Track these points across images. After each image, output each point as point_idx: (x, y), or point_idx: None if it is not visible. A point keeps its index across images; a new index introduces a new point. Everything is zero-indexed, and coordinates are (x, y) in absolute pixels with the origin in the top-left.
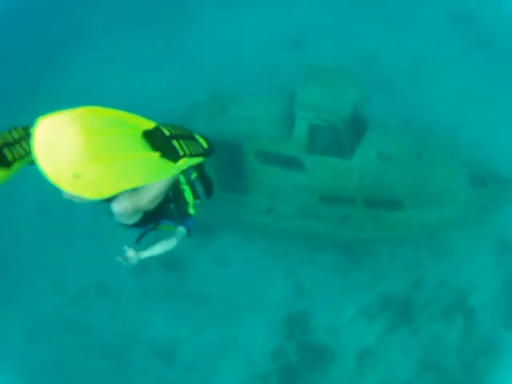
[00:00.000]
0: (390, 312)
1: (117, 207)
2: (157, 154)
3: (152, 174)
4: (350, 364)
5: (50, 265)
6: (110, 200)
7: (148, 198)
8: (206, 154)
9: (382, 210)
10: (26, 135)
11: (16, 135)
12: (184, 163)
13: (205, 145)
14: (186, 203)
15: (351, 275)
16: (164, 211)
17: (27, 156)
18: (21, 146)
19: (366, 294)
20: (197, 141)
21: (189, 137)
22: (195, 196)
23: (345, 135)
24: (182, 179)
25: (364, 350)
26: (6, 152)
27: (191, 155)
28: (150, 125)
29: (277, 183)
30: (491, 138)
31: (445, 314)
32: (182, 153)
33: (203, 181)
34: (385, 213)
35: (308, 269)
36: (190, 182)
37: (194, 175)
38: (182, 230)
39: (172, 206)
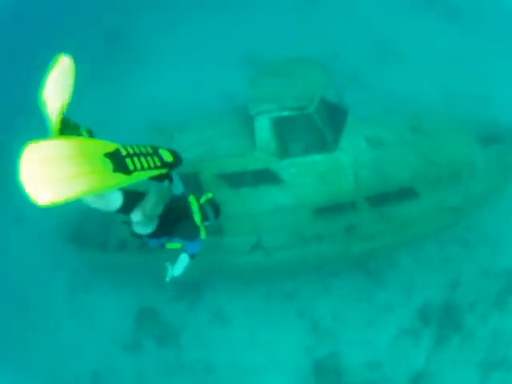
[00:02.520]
0: (434, 323)
1: (134, 216)
2: (111, 169)
3: (110, 184)
4: None
5: (41, 355)
6: (127, 212)
7: (150, 205)
8: (168, 165)
9: (392, 206)
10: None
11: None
12: (139, 175)
13: (169, 158)
14: (196, 226)
15: (376, 296)
16: (176, 230)
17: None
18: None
19: (400, 313)
20: (158, 156)
21: (148, 154)
22: (204, 218)
23: (321, 121)
24: (194, 205)
25: (417, 375)
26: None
27: (144, 169)
28: (111, 146)
29: (254, 209)
30: (485, 97)
31: (498, 302)
32: (132, 168)
33: (211, 204)
34: (396, 208)
35: (323, 303)
36: (200, 206)
37: (202, 200)
38: (183, 256)
39: (181, 226)
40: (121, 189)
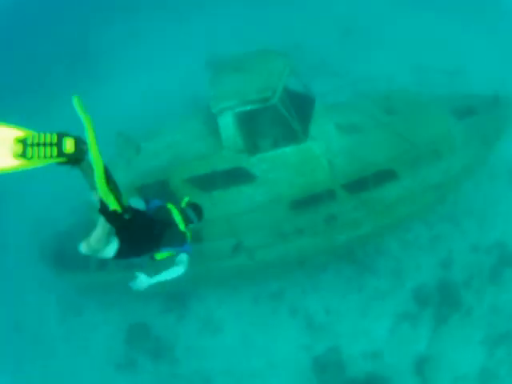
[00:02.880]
0: (432, 305)
1: (81, 248)
2: (18, 153)
3: (11, 165)
4: (411, 381)
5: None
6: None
7: (95, 238)
8: (66, 156)
9: (371, 191)
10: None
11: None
12: (36, 162)
13: (69, 150)
14: (180, 231)
15: (368, 284)
16: (163, 241)
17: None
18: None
19: (394, 298)
20: (57, 146)
21: (51, 144)
22: (188, 222)
23: (287, 112)
24: (175, 212)
25: (420, 360)
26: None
27: (41, 157)
28: (24, 134)
29: (229, 210)
30: (457, 71)
31: (494, 276)
32: (29, 155)
33: (192, 206)
34: (377, 192)
35: (315, 298)
36: (181, 211)
37: (183, 204)
38: (183, 256)
39: (167, 235)
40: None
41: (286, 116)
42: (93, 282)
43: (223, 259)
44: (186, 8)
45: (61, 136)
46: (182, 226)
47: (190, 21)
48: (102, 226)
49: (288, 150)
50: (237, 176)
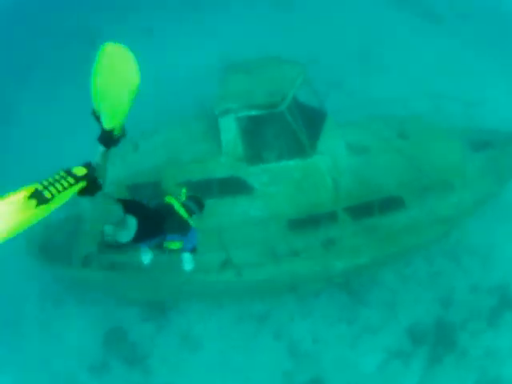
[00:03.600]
0: (427, 344)
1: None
2: (34, 205)
3: (36, 217)
4: None
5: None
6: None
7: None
8: (83, 178)
9: (376, 218)
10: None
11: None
12: (59, 198)
13: (81, 172)
14: (184, 220)
15: (360, 316)
16: (166, 228)
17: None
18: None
19: (387, 333)
20: (70, 175)
21: (62, 178)
22: (190, 213)
23: (295, 122)
24: (176, 204)
25: None
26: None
27: (60, 191)
28: (30, 189)
29: (221, 222)
30: (473, 102)
31: (491, 320)
32: (49, 196)
33: (191, 197)
34: (381, 219)
35: (302, 324)
36: (181, 203)
37: (183, 197)
38: (186, 256)
39: (171, 221)
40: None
41: (293, 126)
42: (75, 278)
43: (209, 273)
44: (203, 13)
45: (67, 169)
46: (184, 215)
47: (206, 26)
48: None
49: (291, 164)
50: (233, 186)
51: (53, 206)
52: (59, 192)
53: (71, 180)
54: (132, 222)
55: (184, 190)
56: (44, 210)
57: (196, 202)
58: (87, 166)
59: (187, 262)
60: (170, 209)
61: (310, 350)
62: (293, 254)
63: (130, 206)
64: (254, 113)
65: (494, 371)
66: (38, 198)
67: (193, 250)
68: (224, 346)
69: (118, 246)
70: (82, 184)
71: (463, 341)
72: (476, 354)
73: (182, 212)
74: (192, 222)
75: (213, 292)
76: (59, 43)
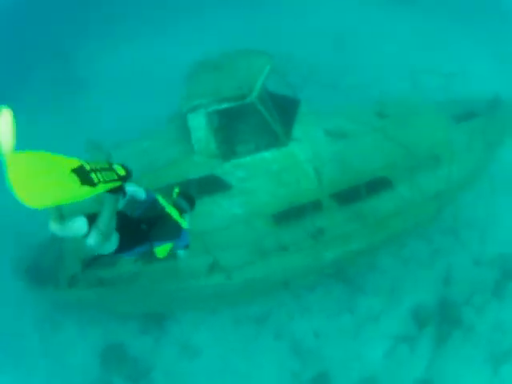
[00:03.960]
0: (432, 324)
1: (90, 239)
2: (78, 183)
3: (78, 194)
4: None
5: None
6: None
7: (104, 222)
8: (122, 178)
9: (364, 201)
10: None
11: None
12: (102, 187)
13: (122, 172)
14: (175, 221)
15: (360, 305)
16: (153, 235)
17: (106, 183)
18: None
19: (390, 319)
20: (113, 170)
21: (106, 169)
22: (181, 211)
23: (267, 111)
24: (165, 203)
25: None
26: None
27: (106, 182)
28: (76, 163)
29: (202, 224)
30: (451, 73)
31: (497, 292)
32: (96, 180)
33: (183, 195)
34: (369, 203)
35: (302, 320)
36: (173, 202)
37: (174, 194)
38: (181, 254)
39: (158, 227)
40: (84, 215)
41: (266, 116)
42: (64, 299)
43: (198, 279)
44: (177, 13)
45: (109, 162)
46: (175, 215)
47: (180, 25)
48: (107, 208)
49: (268, 155)
50: (210, 185)
51: (93, 192)
52: (105, 182)
53: (114, 175)
54: (114, 237)
55: (177, 190)
56: (86, 191)
57: (187, 200)
58: (125, 167)
59: (181, 254)
60: (159, 212)
61: (314, 346)
62: (281, 249)
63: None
64: (224, 106)
65: (505, 344)
66: (84, 177)
67: (185, 247)
68: (225, 352)
69: (100, 259)
70: (117, 184)
71: (469, 316)
72: (483, 328)
73: (173, 212)
74: (184, 223)
75: (205, 297)
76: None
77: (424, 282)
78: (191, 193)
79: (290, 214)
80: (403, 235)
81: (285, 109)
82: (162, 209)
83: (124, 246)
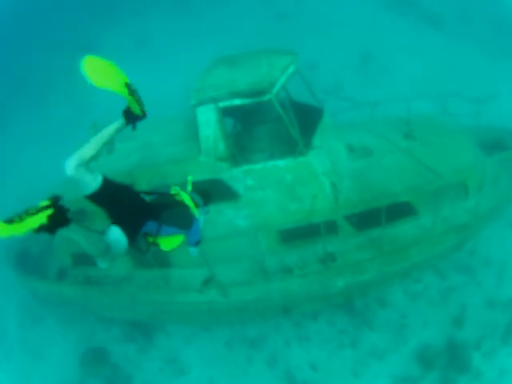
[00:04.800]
0: (438, 367)
1: (112, 236)
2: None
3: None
4: None
5: None
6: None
7: (92, 141)
8: (48, 207)
9: (382, 227)
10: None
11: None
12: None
13: (44, 203)
14: (187, 209)
15: (364, 340)
16: (165, 216)
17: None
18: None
19: (394, 358)
20: (38, 212)
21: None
22: (195, 204)
23: (285, 113)
24: (183, 194)
25: None
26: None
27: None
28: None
29: (203, 233)
30: (480, 99)
31: (506, 338)
32: (16, 220)
33: (199, 191)
34: (389, 229)
35: (299, 350)
36: (189, 194)
37: (189, 188)
38: (192, 250)
39: (171, 211)
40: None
41: (284, 118)
42: (50, 292)
43: (190, 293)
44: (201, 22)
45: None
46: (190, 204)
47: (203, 34)
48: (109, 129)
49: (282, 164)
50: (214, 190)
51: (15, 229)
52: (26, 217)
53: (34, 210)
54: (117, 232)
55: (190, 178)
56: (7, 230)
57: (202, 195)
58: (52, 197)
59: (193, 252)
60: (172, 200)
61: (309, 379)
62: (285, 271)
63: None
64: (237, 102)
65: None
66: (8, 220)
67: (197, 244)
68: (212, 373)
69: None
70: (48, 212)
71: (477, 361)
72: (491, 374)
73: (189, 202)
74: (197, 213)
75: (197, 313)
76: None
77: (433, 322)
78: (207, 188)
79: (299, 233)
80: (420, 268)
81: (307, 117)
82: (177, 199)
83: (133, 234)
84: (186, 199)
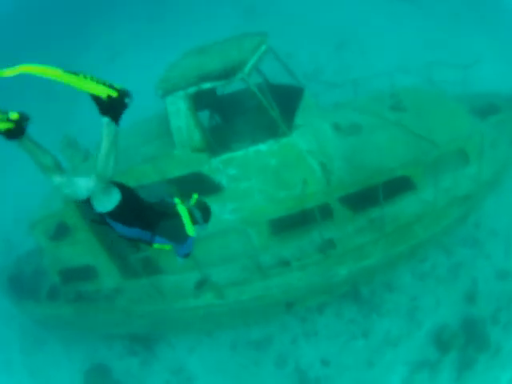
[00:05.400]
0: (455, 348)
1: (89, 183)
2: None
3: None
4: None
5: None
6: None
7: (102, 159)
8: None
9: (381, 207)
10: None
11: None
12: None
13: (14, 116)
14: (183, 224)
15: (375, 328)
16: (160, 226)
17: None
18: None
19: (409, 343)
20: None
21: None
22: (194, 222)
23: (261, 92)
24: (181, 208)
25: None
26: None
27: (93, 80)
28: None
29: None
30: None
31: None
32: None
33: (200, 206)
34: (388, 208)
35: (308, 346)
36: (188, 209)
37: (192, 201)
38: (179, 260)
39: (167, 224)
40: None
41: (262, 100)
42: (45, 314)
43: (185, 299)
44: (178, 13)
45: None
46: (188, 225)
47: (180, 26)
48: (107, 139)
49: (264, 149)
50: (194, 185)
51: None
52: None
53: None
54: (116, 193)
55: (195, 196)
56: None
57: (202, 212)
58: (21, 113)
59: (179, 260)
60: (172, 211)
61: (321, 376)
62: (282, 265)
63: (120, 186)
64: (207, 85)
65: None
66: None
67: (186, 256)
68: (221, 379)
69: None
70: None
71: (496, 336)
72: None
73: (186, 218)
74: (192, 232)
75: (196, 320)
76: None
77: (446, 301)
78: (208, 206)
79: (292, 222)
80: (426, 246)
81: (287, 98)
82: (177, 211)
83: (123, 213)
84: (184, 215)
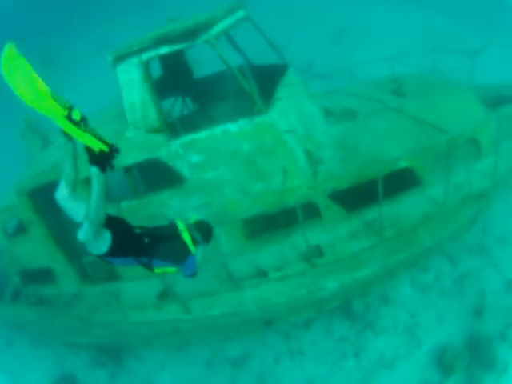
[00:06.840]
0: (459, 368)
1: (80, 232)
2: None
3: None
4: None
5: None
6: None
7: (92, 206)
8: (107, 144)
9: (380, 206)
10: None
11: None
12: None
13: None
14: (184, 245)
15: (369, 347)
16: (157, 251)
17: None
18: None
19: (407, 364)
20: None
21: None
22: (194, 242)
23: (230, 61)
24: (181, 226)
25: None
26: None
27: (88, 132)
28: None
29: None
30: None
31: None
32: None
33: (199, 225)
34: (387, 207)
35: (292, 366)
36: (188, 229)
37: (191, 221)
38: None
39: (162, 246)
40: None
41: (230, 65)
42: (10, 316)
43: (145, 311)
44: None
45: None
46: (188, 241)
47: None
48: (96, 183)
49: (234, 129)
50: (153, 175)
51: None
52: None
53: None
54: (107, 234)
55: (195, 216)
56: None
57: (202, 231)
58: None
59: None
60: (171, 232)
61: None
62: (259, 275)
63: (108, 220)
64: (165, 50)
65: None
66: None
67: (192, 275)
68: None
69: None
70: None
71: (503, 354)
72: None
73: (186, 236)
74: (193, 249)
75: (160, 334)
76: None
77: (449, 316)
78: (209, 223)
79: (270, 222)
80: (430, 254)
81: (270, 79)
82: (176, 230)
83: (117, 250)
84: (185, 235)
